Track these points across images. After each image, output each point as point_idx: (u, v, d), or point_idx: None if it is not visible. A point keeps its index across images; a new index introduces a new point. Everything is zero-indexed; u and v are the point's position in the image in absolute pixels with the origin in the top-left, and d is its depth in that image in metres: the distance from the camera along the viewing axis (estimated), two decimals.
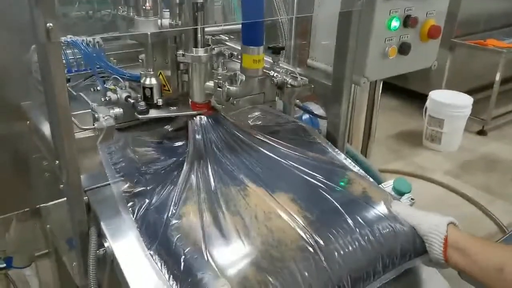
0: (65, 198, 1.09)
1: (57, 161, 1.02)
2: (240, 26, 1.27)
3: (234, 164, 1.20)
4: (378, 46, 1.38)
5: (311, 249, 0.98)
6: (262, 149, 1.27)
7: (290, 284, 0.92)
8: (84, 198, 1.10)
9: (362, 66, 1.40)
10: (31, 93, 1.32)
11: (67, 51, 1.41)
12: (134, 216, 1.07)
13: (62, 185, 1.05)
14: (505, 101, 4.63)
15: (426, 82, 4.34)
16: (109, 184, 1.12)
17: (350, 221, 1.06)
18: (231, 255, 0.96)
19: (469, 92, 4.06)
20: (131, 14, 1.23)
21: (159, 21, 1.19)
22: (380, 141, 3.83)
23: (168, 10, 1.22)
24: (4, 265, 1.65)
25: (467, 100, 3.92)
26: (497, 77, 4.15)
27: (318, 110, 1.67)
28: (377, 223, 1.07)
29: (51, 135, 1.03)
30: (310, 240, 0.99)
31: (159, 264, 0.98)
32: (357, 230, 1.04)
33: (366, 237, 1.03)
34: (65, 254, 1.29)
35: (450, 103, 3.88)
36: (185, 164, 1.16)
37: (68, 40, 1.33)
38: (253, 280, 0.90)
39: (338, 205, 1.10)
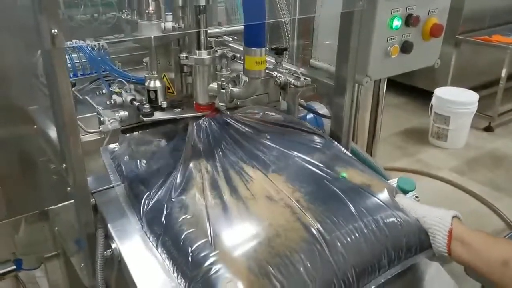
0: (72, 201, 1.10)
1: (64, 165, 1.03)
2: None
3: (237, 155, 1.20)
4: (380, 45, 1.38)
5: (314, 240, 0.97)
6: (265, 141, 1.27)
7: (293, 276, 0.91)
8: (91, 200, 1.12)
9: (365, 65, 1.40)
10: (37, 97, 1.33)
11: (72, 55, 1.43)
12: (140, 216, 1.09)
13: (69, 188, 1.07)
14: (511, 97, 4.60)
15: (432, 79, 4.33)
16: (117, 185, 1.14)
17: (354, 211, 1.05)
18: (237, 248, 0.96)
19: (475, 89, 4.04)
20: (135, 17, 1.24)
21: (162, 24, 1.20)
22: (385, 139, 3.83)
23: (171, 13, 1.23)
24: (14, 267, 1.67)
25: (473, 97, 3.91)
26: (503, 73, 4.12)
27: (322, 109, 1.68)
28: (382, 213, 1.06)
29: (57, 138, 1.04)
30: (313, 231, 0.99)
31: (167, 262, 0.99)
32: (362, 220, 1.03)
33: (370, 227, 1.02)
34: (73, 255, 1.31)
35: (456, 100, 3.86)
36: (187, 159, 1.17)
37: (74, 44, 1.35)
38: (257, 273, 0.90)
39: (342, 195, 1.09)
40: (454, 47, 4.25)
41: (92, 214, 1.10)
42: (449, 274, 1.20)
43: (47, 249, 1.67)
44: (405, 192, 1.25)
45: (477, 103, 3.91)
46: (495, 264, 0.96)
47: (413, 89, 4.70)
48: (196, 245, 0.96)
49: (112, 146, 1.19)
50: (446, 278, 1.19)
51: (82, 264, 1.18)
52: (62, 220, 1.31)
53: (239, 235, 0.99)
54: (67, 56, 1.40)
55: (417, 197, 1.28)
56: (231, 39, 1.81)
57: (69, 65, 1.41)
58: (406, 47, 1.42)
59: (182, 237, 0.99)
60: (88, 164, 1.17)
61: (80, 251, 1.18)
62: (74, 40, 1.34)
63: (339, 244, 0.98)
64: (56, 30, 0.86)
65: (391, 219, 1.06)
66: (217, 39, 1.79)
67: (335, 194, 1.10)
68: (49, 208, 1.49)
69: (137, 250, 1.04)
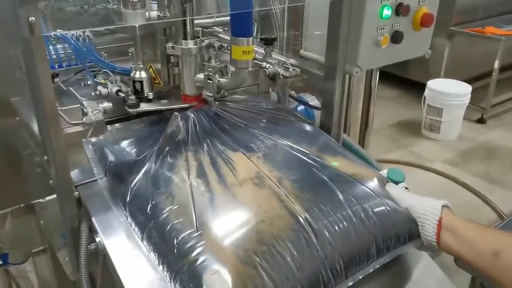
0: (55, 194, 1.08)
1: (45, 157, 1.01)
2: None
3: (224, 144, 1.18)
4: (370, 35, 1.36)
5: (301, 228, 0.95)
6: (253, 130, 1.24)
7: (280, 265, 0.89)
8: (75, 193, 1.10)
9: (355, 55, 1.38)
10: (20, 88, 1.31)
11: (57, 46, 1.40)
12: (125, 208, 1.06)
13: (51, 181, 1.05)
14: (504, 89, 4.61)
15: (425, 71, 4.33)
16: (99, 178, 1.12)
17: (343, 199, 1.03)
18: (223, 237, 0.93)
19: (468, 81, 4.05)
20: (121, 7, 1.21)
21: (147, 13, 1.17)
22: (379, 131, 3.83)
23: (155, 1, 1.21)
24: (1, 262, 1.65)
25: (466, 89, 3.91)
26: (496, 65, 4.13)
27: (313, 101, 1.66)
28: (371, 202, 1.04)
29: (39, 130, 1.02)
30: (300, 219, 0.96)
31: (152, 254, 0.97)
32: (350, 208, 1.01)
33: (359, 216, 1.00)
34: (58, 249, 1.29)
35: (449, 92, 3.87)
36: (172, 149, 1.14)
37: (58, 34, 1.32)
38: (244, 262, 0.88)
39: (330, 183, 1.07)
40: (447, 39, 4.25)
41: (76, 207, 1.08)
42: (439, 265, 1.19)
43: (34, 243, 1.66)
44: (394, 183, 1.24)
45: (470, 95, 3.91)
46: (485, 254, 0.94)
47: (407, 81, 4.70)
48: (182, 236, 0.94)
49: (94, 138, 1.17)
50: (436, 270, 1.18)
51: (67, 258, 1.17)
52: (47, 213, 1.29)
53: (226, 224, 0.97)
54: (51, 47, 1.38)
55: (406, 188, 1.27)
56: (221, 29, 1.78)
57: (54, 55, 1.39)
58: (396, 37, 1.40)
59: (167, 228, 0.96)
60: (72, 156, 1.15)
61: (65, 245, 1.16)
62: (58, 30, 1.32)
63: (326, 232, 0.95)
64: (33, 18, 0.84)
65: (380, 208, 1.04)
66: (207, 30, 1.77)
67: (324, 182, 1.08)
68: (35, 201, 1.47)
69: (122, 243, 1.02)
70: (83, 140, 1.16)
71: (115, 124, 1.25)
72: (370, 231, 1.00)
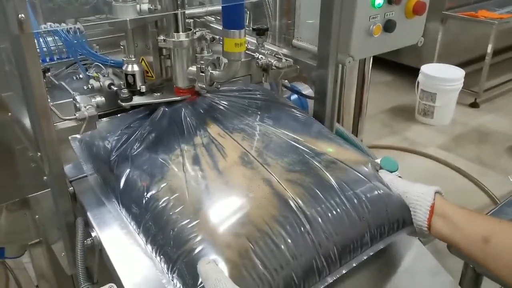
0: (49, 189, 1.08)
1: (39, 153, 1.01)
2: None
3: (218, 133, 1.17)
4: (362, 24, 1.36)
5: (294, 215, 0.95)
6: (246, 117, 1.24)
7: (274, 253, 0.89)
8: (70, 188, 1.10)
9: (347, 45, 1.38)
10: (11, 83, 1.30)
11: (48, 39, 1.39)
12: (119, 202, 1.07)
13: (45, 177, 1.05)
14: (496, 73, 4.62)
15: (418, 56, 4.32)
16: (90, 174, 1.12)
17: (336, 186, 1.02)
18: (219, 225, 0.93)
19: (461, 65, 4.05)
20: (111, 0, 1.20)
21: (137, 6, 1.16)
22: (373, 117, 3.84)
23: None
24: None
25: (459, 73, 3.91)
26: (489, 49, 4.13)
27: (306, 90, 1.66)
28: (364, 188, 1.04)
29: (31, 126, 1.02)
30: (293, 205, 0.96)
31: (149, 246, 0.97)
32: (344, 194, 1.01)
33: (352, 202, 1.00)
34: (54, 243, 1.30)
35: (442, 76, 3.87)
36: (165, 140, 1.14)
37: (48, 28, 1.31)
38: (238, 250, 0.88)
39: (324, 169, 1.07)
40: (440, 23, 4.23)
41: (70, 202, 1.08)
42: (432, 250, 1.20)
43: (30, 237, 1.66)
44: None
45: (463, 79, 3.91)
46: (475, 240, 0.95)
47: (400, 66, 4.70)
48: (179, 225, 0.94)
49: (80, 134, 1.16)
50: (427, 256, 1.18)
51: (63, 253, 1.17)
52: (42, 208, 1.29)
53: (222, 212, 0.96)
54: (42, 40, 1.36)
55: (400, 177, 1.27)
56: (213, 19, 1.77)
57: (45, 49, 1.37)
58: (389, 26, 1.40)
59: (164, 218, 0.97)
60: (66, 151, 1.15)
61: (60, 239, 1.16)
62: (48, 24, 1.30)
63: (319, 219, 0.96)
64: (23, 15, 0.83)
65: (373, 193, 1.04)
66: (198, 20, 1.75)
67: (316, 168, 1.08)
68: (29, 196, 1.47)
69: (118, 237, 1.02)
70: (69, 137, 1.15)
71: (102, 119, 1.23)
72: (363, 217, 1.00)
